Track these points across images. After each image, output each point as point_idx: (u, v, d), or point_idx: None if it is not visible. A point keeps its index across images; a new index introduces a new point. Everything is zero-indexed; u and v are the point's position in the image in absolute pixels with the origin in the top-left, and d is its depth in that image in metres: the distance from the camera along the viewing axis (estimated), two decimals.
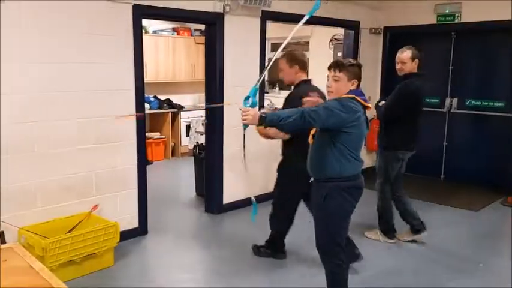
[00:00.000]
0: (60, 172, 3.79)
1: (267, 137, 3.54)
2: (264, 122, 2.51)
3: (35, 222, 3.61)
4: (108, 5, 3.88)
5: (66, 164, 3.81)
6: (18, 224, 3.51)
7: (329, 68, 2.81)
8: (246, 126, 2.64)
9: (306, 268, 3.76)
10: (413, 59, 4.04)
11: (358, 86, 2.81)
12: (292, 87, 3.71)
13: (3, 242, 3.38)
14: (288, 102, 3.49)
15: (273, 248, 3.94)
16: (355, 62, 2.88)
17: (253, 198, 2.91)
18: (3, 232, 3.45)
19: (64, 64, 3.71)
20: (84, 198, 3.93)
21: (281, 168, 3.74)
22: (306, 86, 3.55)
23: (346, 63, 2.78)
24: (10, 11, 3.38)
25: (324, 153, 2.76)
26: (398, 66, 4.11)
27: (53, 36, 3.62)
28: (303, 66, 3.63)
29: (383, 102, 4.19)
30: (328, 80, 2.82)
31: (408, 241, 4.32)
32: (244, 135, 2.76)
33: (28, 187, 3.62)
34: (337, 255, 2.88)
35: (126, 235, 4.09)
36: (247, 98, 2.58)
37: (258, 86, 2.64)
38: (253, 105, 2.57)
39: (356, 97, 2.72)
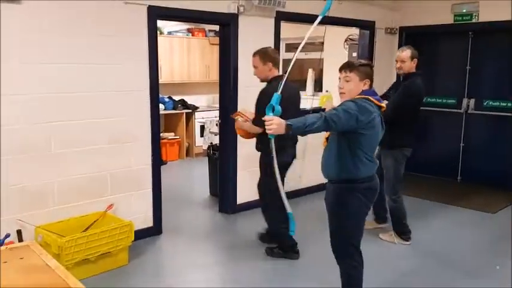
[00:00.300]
0: (76, 172, 3.83)
1: (244, 133, 3.86)
2: (291, 130, 2.48)
3: (50, 221, 3.66)
4: (123, 6, 3.92)
5: (81, 163, 3.86)
6: (33, 222, 3.57)
7: (340, 69, 2.82)
8: (272, 136, 2.57)
9: (318, 268, 3.76)
10: (412, 58, 4.15)
11: (370, 86, 2.80)
12: (266, 83, 3.83)
13: (21, 240, 3.44)
14: (264, 99, 3.58)
15: (284, 248, 3.95)
16: (366, 62, 2.91)
17: (289, 209, 2.72)
18: (20, 230, 3.51)
19: (79, 65, 3.76)
20: (99, 198, 3.97)
21: (262, 163, 3.88)
22: (278, 82, 3.64)
23: (357, 64, 2.80)
24: (23, 11, 3.43)
25: (338, 154, 2.75)
26: (397, 65, 4.23)
27: (68, 37, 3.67)
28: (276, 62, 3.79)
29: (385, 102, 4.19)
30: (340, 81, 2.81)
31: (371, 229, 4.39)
32: (273, 144, 2.69)
33: (44, 186, 3.68)
34: (352, 256, 2.87)
35: (140, 234, 4.12)
36: (270, 106, 2.50)
37: (280, 93, 2.55)
38: (277, 114, 2.49)
39: (370, 98, 2.71)
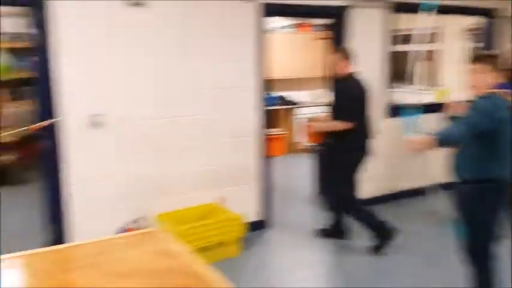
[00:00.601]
0: (191, 164, 4.03)
1: (316, 138, 4.15)
2: (440, 144, 2.51)
3: (166, 210, 3.89)
4: (238, 4, 4.02)
5: (196, 157, 4.05)
6: (152, 211, 3.82)
7: (469, 62, 2.65)
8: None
9: (427, 267, 3.65)
10: None
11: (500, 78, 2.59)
12: (343, 79, 3.91)
13: (144, 226, 3.69)
14: (349, 96, 3.86)
15: (383, 239, 3.93)
16: (496, 53, 2.71)
17: (456, 219, 2.80)
18: (144, 217, 3.78)
19: (197, 63, 3.94)
20: (212, 190, 4.14)
21: (342, 159, 3.95)
22: (354, 79, 3.90)
23: (488, 55, 2.70)
24: (145, 13, 3.67)
25: (474, 155, 2.61)
26: None
27: (186, 37, 3.86)
28: (352, 59, 3.94)
29: None
30: (469, 74, 2.63)
31: None
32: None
33: (162, 177, 3.92)
34: (488, 258, 2.73)
35: (250, 227, 4.21)
36: (406, 125, 2.59)
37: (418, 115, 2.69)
38: (417, 133, 2.58)
39: (502, 92, 2.51)
